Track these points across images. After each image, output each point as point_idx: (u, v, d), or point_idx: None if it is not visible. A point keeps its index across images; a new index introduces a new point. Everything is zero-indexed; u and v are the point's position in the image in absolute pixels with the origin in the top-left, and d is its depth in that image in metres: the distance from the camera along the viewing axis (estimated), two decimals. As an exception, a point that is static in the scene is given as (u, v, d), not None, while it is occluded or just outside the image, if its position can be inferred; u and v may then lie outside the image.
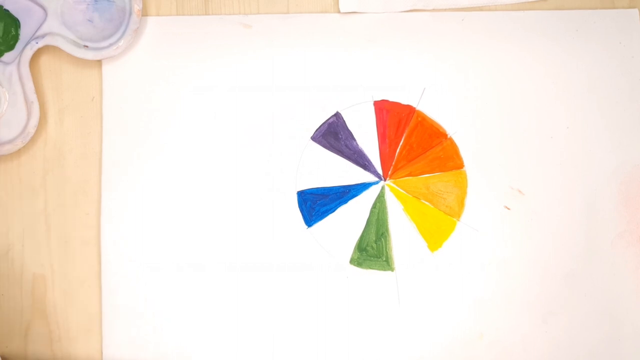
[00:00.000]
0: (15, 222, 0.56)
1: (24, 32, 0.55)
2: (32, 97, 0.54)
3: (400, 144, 0.55)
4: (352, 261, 0.54)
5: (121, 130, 0.55)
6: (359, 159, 0.55)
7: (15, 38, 0.55)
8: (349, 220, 0.55)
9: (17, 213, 0.56)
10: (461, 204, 0.54)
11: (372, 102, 0.55)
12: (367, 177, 0.55)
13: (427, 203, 0.54)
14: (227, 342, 0.54)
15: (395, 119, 0.55)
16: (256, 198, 0.55)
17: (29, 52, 0.54)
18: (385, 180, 0.55)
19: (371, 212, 0.55)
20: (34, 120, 0.54)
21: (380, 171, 0.55)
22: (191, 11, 0.56)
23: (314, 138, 0.55)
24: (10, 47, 0.55)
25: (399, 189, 0.55)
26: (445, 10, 0.56)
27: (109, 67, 0.55)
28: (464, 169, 0.55)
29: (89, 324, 0.55)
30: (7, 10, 0.55)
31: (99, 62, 0.55)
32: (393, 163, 0.55)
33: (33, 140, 0.55)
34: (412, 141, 0.55)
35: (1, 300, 0.56)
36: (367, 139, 0.55)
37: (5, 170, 0.56)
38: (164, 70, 0.55)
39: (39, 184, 0.56)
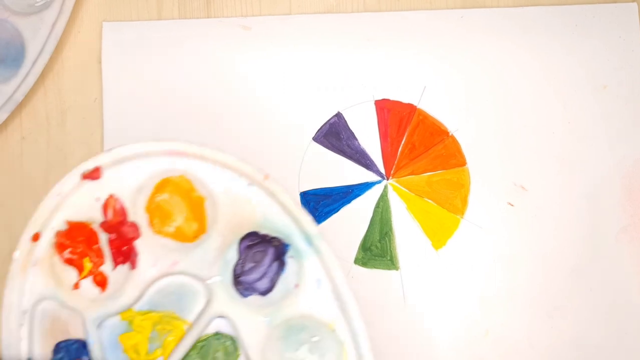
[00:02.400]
0: (18, 224, 0.54)
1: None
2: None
3: (402, 142, 0.55)
4: (356, 261, 0.54)
5: (122, 131, 0.55)
6: (361, 159, 0.55)
7: None
8: (353, 220, 0.55)
9: (20, 215, 0.56)
10: (464, 201, 0.54)
11: (373, 102, 0.55)
12: (370, 176, 0.55)
13: (430, 201, 0.54)
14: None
15: (396, 117, 0.55)
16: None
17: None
18: (387, 179, 0.55)
19: (374, 211, 0.55)
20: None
21: (382, 170, 0.55)
22: (193, 13, 0.56)
23: (315, 139, 0.55)
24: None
25: (402, 188, 0.55)
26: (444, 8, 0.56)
27: (109, 68, 0.55)
28: (466, 166, 0.55)
29: None
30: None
31: (100, 64, 0.56)
32: (395, 162, 0.55)
33: (36, 141, 0.56)
34: (414, 140, 0.55)
35: None
36: (369, 139, 0.55)
37: (8, 172, 0.56)
38: (164, 72, 0.55)
39: (42, 186, 0.56)
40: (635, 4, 0.55)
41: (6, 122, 0.56)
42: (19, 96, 0.54)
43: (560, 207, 0.54)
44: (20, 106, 0.56)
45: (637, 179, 0.54)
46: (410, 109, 0.55)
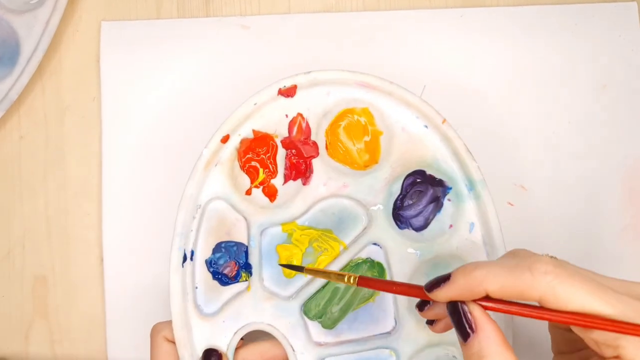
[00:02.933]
0: (16, 224, 0.56)
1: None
2: None
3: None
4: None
5: (121, 130, 0.55)
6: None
7: None
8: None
9: (18, 214, 0.56)
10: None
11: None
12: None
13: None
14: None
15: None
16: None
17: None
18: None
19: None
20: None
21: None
22: (192, 12, 0.57)
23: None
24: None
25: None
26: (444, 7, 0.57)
27: (108, 67, 0.56)
28: None
29: (90, 325, 0.55)
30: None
31: (98, 63, 0.57)
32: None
33: (34, 141, 0.56)
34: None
35: (2, 302, 0.56)
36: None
37: (6, 171, 0.56)
38: (162, 71, 0.56)
39: (40, 185, 0.56)
40: (634, 3, 0.56)
41: (4, 121, 0.57)
42: (14, 94, 0.55)
43: (560, 207, 0.54)
44: (19, 105, 0.57)
45: (638, 179, 0.55)
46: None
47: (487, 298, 0.35)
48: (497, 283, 0.34)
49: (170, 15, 0.57)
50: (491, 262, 0.36)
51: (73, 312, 0.55)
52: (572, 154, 0.55)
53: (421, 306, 0.40)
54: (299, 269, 0.45)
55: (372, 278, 0.42)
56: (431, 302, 0.39)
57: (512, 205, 0.54)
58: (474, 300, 0.36)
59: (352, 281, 0.40)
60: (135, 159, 0.55)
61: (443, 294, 0.36)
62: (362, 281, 0.40)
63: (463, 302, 0.36)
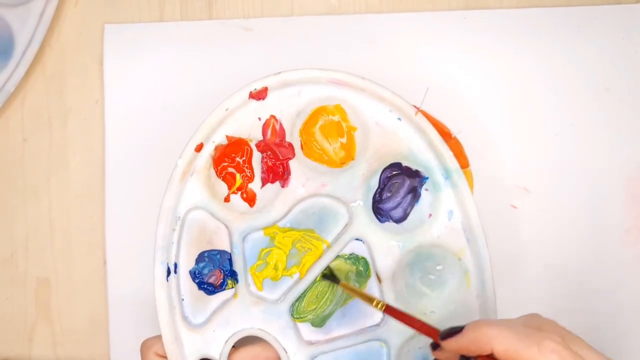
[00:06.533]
0: (20, 226, 0.56)
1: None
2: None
3: (406, 144, 0.56)
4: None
5: (124, 133, 0.55)
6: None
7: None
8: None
9: (21, 216, 0.56)
10: (468, 203, 0.56)
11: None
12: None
13: (434, 203, 0.56)
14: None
15: (399, 119, 0.57)
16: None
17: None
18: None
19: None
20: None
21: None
22: (195, 15, 0.57)
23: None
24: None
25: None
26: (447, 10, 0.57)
27: (111, 70, 0.56)
28: (469, 168, 0.54)
29: (93, 327, 0.55)
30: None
31: (101, 66, 0.56)
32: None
33: (37, 143, 0.56)
34: (417, 141, 0.56)
35: (5, 304, 0.55)
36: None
37: (9, 174, 0.56)
38: (165, 73, 0.56)
39: (43, 188, 0.56)
40: (639, 5, 0.56)
41: (8, 124, 0.56)
42: (11, 86, 0.55)
43: (563, 209, 0.54)
44: (22, 108, 0.56)
45: (641, 181, 0.54)
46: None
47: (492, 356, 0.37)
48: (503, 345, 0.35)
49: (173, 17, 0.56)
50: (504, 322, 0.37)
51: (76, 314, 0.55)
52: (575, 156, 0.55)
53: (434, 346, 0.41)
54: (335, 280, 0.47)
55: (398, 309, 0.43)
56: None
57: (515, 207, 0.54)
58: (481, 357, 0.37)
59: (379, 307, 0.43)
60: (138, 162, 0.55)
61: (453, 344, 0.38)
62: (389, 309, 0.43)
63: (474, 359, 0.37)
